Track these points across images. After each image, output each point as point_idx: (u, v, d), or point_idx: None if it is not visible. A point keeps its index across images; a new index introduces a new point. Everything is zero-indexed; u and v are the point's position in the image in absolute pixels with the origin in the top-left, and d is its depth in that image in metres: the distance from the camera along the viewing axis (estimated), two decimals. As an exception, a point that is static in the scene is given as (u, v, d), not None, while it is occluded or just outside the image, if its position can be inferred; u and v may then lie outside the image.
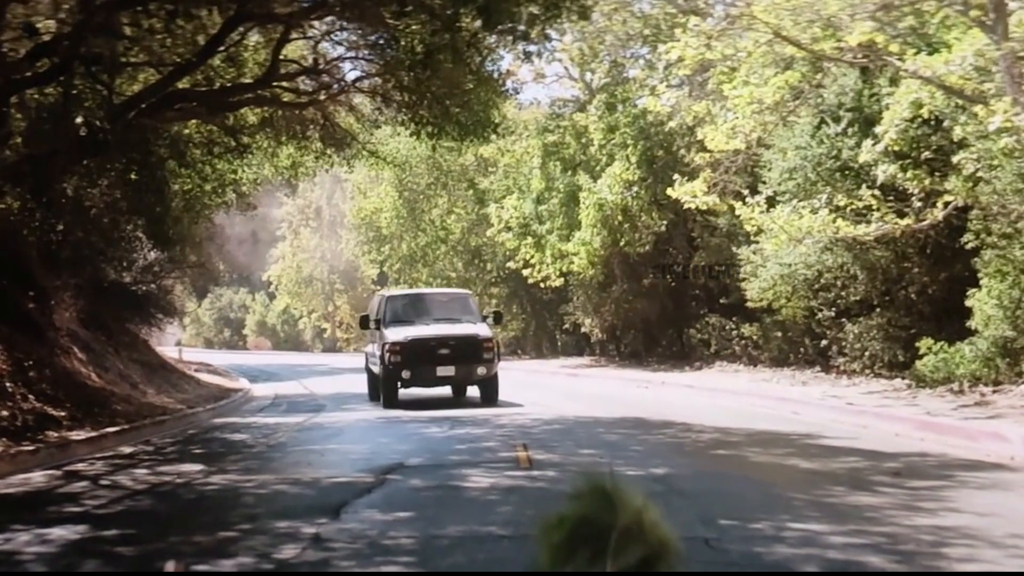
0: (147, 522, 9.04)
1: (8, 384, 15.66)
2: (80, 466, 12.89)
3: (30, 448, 13.26)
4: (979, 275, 18.75)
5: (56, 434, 14.62)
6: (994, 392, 17.26)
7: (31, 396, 15.95)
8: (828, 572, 6.15)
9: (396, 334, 22.25)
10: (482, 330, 22.85)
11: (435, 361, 21.93)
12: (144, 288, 31.11)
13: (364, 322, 24.80)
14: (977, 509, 8.02)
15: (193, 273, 35.41)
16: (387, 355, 21.99)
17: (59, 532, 8.42)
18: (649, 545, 2.15)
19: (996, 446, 12.03)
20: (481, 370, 22.05)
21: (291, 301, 76.17)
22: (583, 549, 2.19)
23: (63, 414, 15.97)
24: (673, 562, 2.15)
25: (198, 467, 12.72)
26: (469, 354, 21.97)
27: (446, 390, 24.15)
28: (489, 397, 22.12)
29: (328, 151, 23.71)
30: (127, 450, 14.76)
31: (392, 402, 22.23)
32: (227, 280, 61.54)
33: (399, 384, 22.35)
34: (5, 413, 14.53)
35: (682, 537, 6.34)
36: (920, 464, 11.02)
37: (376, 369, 23.42)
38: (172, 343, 44.32)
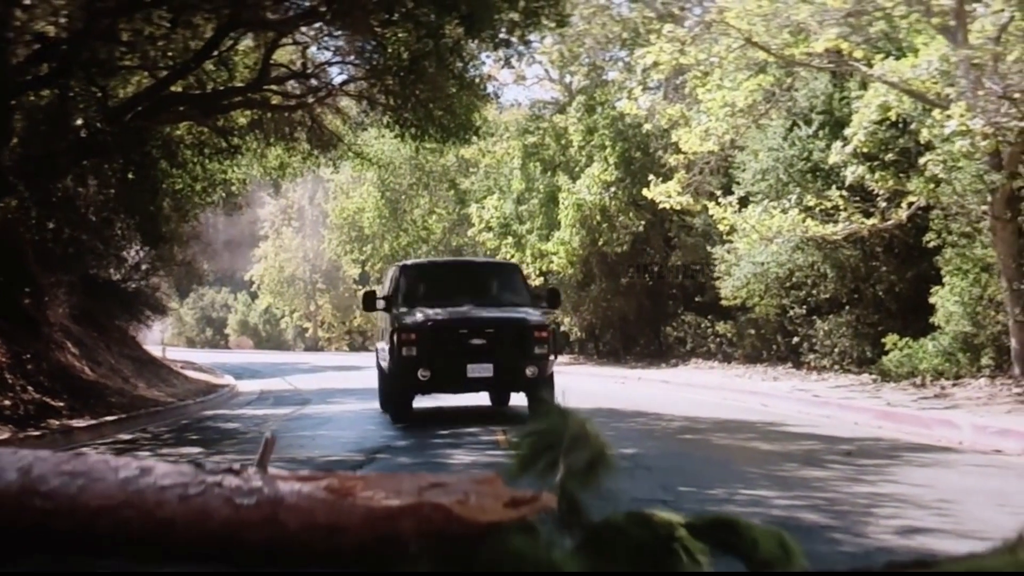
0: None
1: (8, 376, 16.27)
2: (85, 450, 13.48)
3: (36, 434, 13.87)
4: (942, 273, 19.48)
5: (58, 422, 15.20)
6: (954, 385, 17.90)
7: (30, 387, 16.51)
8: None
9: (412, 317, 16.15)
10: (532, 314, 16.77)
11: (466, 356, 15.73)
12: (133, 286, 31.57)
13: (369, 301, 17.67)
14: (914, 481, 8.75)
15: (179, 272, 35.81)
16: (398, 346, 15.82)
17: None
18: (593, 450, 2.84)
19: (947, 432, 12.75)
20: (531, 370, 15.79)
21: (273, 300, 76.40)
22: (544, 456, 2.86)
23: (61, 404, 16.55)
24: (611, 463, 2.86)
25: (197, 450, 13.37)
26: (514, 347, 15.94)
27: (481, 397, 18.41)
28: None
29: (315, 152, 24.14)
30: (126, 437, 15.34)
31: (404, 414, 16.33)
32: (210, 280, 61.88)
33: (414, 388, 16.17)
34: (8, 403, 15.15)
35: (642, 500, 7.09)
36: (872, 447, 11.74)
37: (387, 367, 17.15)
38: (156, 341, 44.66)
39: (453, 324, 15.98)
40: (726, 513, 2.81)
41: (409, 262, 20.98)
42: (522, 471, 2.81)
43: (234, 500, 2.19)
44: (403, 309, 16.58)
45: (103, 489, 2.13)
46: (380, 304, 17.47)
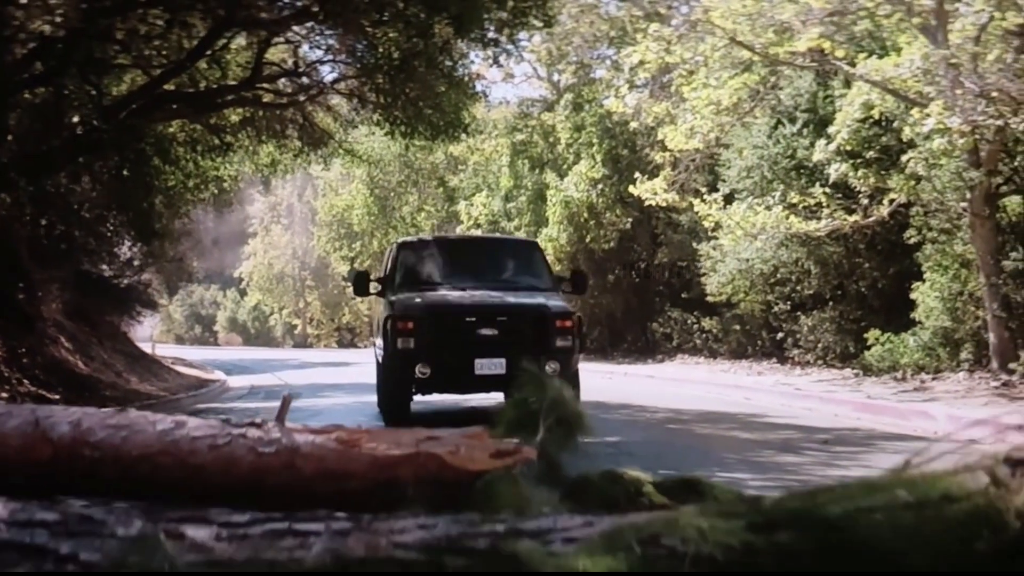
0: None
1: (4, 369, 16.53)
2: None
3: (35, 425, 14.11)
4: (923, 269, 19.78)
5: (54, 414, 15.46)
6: (934, 379, 18.12)
7: (26, 381, 16.77)
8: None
9: (409, 302, 13.55)
10: (554, 301, 14.11)
11: (474, 349, 13.03)
12: (125, 282, 31.66)
13: (360, 284, 15.15)
14: (886, 466, 9.02)
15: (169, 268, 35.88)
16: (393, 337, 13.19)
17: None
18: (567, 413, 3.17)
19: (923, 423, 13.06)
20: (552, 366, 12.41)
21: (262, 297, 76.54)
22: (525, 420, 3.19)
23: (57, 397, 16.76)
24: (584, 425, 3.19)
25: (192, 441, 13.57)
26: (532, 339, 13.13)
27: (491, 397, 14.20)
28: None
29: (306, 149, 24.24)
30: (122, 428, 15.58)
31: (400, 414, 13.43)
32: (199, 277, 61.96)
33: (412, 387, 13.42)
34: (5, 395, 15.40)
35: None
36: (849, 435, 12.06)
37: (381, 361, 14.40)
38: (146, 338, 44.64)
39: (458, 311, 13.43)
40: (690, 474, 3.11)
41: (409, 238, 18.05)
42: (506, 433, 3.11)
43: (257, 449, 2.51)
44: (400, 293, 14.03)
45: (143, 440, 2.44)
46: (374, 288, 15.13)
